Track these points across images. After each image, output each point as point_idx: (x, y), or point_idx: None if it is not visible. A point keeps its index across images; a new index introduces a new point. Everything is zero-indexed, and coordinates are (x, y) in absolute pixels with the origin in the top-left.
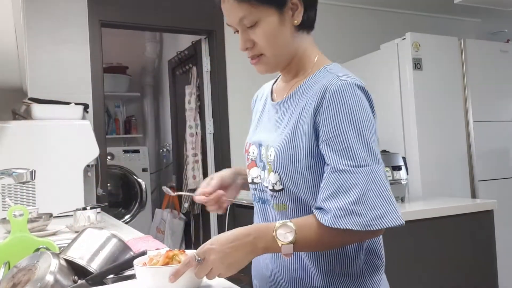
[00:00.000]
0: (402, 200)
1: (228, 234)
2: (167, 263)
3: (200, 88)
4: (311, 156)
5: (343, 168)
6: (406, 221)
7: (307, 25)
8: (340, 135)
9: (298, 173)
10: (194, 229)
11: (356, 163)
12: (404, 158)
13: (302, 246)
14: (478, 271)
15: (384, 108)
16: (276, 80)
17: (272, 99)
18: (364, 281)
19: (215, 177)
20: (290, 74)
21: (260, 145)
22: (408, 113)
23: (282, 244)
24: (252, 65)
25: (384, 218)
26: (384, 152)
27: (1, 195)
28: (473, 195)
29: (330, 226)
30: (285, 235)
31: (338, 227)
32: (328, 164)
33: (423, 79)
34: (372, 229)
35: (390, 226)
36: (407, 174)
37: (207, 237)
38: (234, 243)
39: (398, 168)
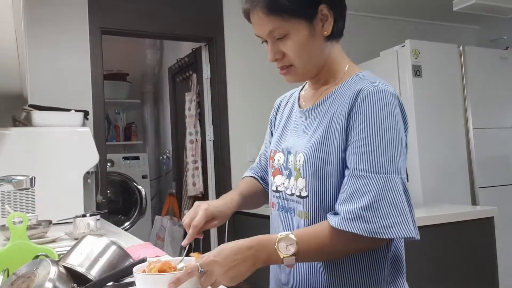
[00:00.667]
0: None
1: (231, 246)
2: (163, 271)
3: (200, 95)
4: (342, 159)
5: (361, 174)
6: None
7: (336, 34)
8: (364, 139)
9: (328, 177)
10: None
11: (375, 170)
12: None
13: (305, 257)
14: (479, 278)
15: None
16: (303, 87)
17: (300, 106)
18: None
19: (201, 213)
20: (319, 82)
21: (288, 153)
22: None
23: (283, 257)
24: (281, 75)
25: (393, 228)
26: None
27: (1, 202)
28: (474, 202)
29: (337, 227)
30: (287, 247)
31: (344, 229)
32: (348, 168)
33: (422, 86)
34: (378, 237)
35: (399, 236)
36: (408, 181)
37: (207, 244)
38: (238, 256)
39: None
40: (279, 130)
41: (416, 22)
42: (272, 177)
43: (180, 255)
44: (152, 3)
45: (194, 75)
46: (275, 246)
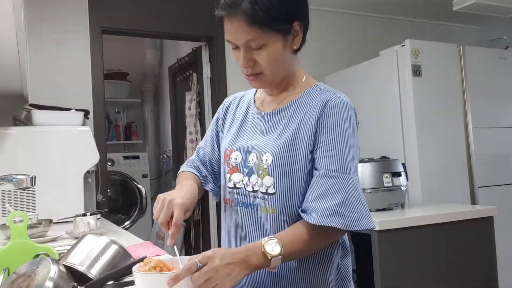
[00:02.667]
0: (402, 206)
1: (226, 249)
2: (160, 269)
3: (200, 94)
4: (308, 160)
5: (332, 174)
6: (406, 227)
7: (300, 48)
8: (333, 144)
9: (296, 175)
10: (194, 235)
11: (342, 170)
12: (404, 164)
13: (289, 256)
14: (478, 278)
15: (383, 114)
16: (256, 91)
17: (258, 109)
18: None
19: (179, 209)
20: (279, 89)
21: (247, 152)
22: (407, 120)
23: (272, 258)
24: (249, 80)
25: (362, 220)
26: (384, 158)
27: (1, 201)
28: (473, 202)
29: (317, 224)
30: (272, 248)
31: (325, 224)
32: (317, 169)
33: (422, 86)
34: (352, 229)
35: (366, 228)
36: (407, 180)
37: (207, 243)
38: (234, 257)
39: (398, 174)
40: (233, 129)
41: (416, 22)
42: (228, 175)
43: (180, 254)
44: (152, 3)
45: (194, 75)
46: (262, 250)
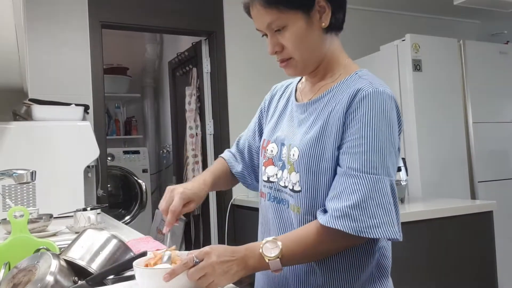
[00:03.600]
0: (402, 201)
1: (225, 246)
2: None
3: (200, 89)
4: (336, 156)
5: (352, 173)
6: (406, 222)
7: (335, 27)
8: (359, 139)
9: (322, 173)
10: (194, 230)
11: (366, 170)
12: (403, 159)
13: (291, 259)
14: (477, 272)
15: None
16: (301, 79)
17: (296, 99)
18: (373, 286)
19: (178, 197)
20: (317, 76)
21: (282, 144)
22: (407, 114)
23: (269, 260)
24: (281, 68)
25: (379, 228)
26: None
27: (2, 196)
28: (473, 196)
29: (325, 225)
30: (270, 250)
31: (332, 226)
32: (340, 166)
33: (422, 81)
34: (364, 236)
35: (383, 237)
36: (407, 175)
37: (207, 238)
38: (232, 254)
39: (397, 169)
40: (273, 119)
41: (417, 16)
42: (263, 167)
43: (180, 249)
44: None
45: (194, 69)
46: (260, 250)
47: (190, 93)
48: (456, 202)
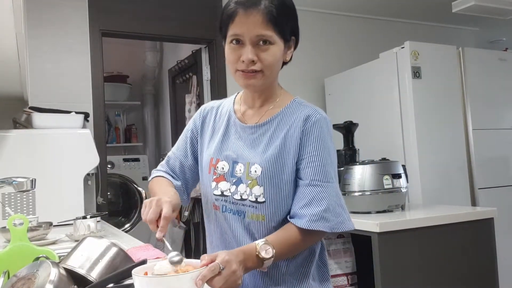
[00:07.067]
0: (402, 208)
1: (228, 251)
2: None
3: (200, 96)
4: (294, 170)
5: (316, 183)
6: (406, 229)
7: (286, 63)
8: (316, 156)
9: (284, 184)
10: (194, 237)
11: (325, 179)
12: (404, 166)
13: (280, 257)
14: (478, 280)
15: (383, 116)
16: (234, 102)
17: (240, 121)
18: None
19: (167, 205)
20: (260, 99)
21: (234, 162)
22: (407, 121)
23: (265, 260)
24: (246, 78)
25: (344, 223)
26: (384, 160)
27: (1, 204)
28: (473, 203)
29: (306, 228)
30: (266, 251)
31: (314, 228)
32: (302, 179)
33: (422, 88)
34: (336, 231)
35: (347, 230)
36: (407, 182)
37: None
38: (238, 259)
39: (398, 176)
40: (216, 139)
41: (416, 24)
42: (214, 183)
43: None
44: (152, 5)
45: (194, 77)
46: (256, 253)
47: (190, 100)
48: (457, 209)
